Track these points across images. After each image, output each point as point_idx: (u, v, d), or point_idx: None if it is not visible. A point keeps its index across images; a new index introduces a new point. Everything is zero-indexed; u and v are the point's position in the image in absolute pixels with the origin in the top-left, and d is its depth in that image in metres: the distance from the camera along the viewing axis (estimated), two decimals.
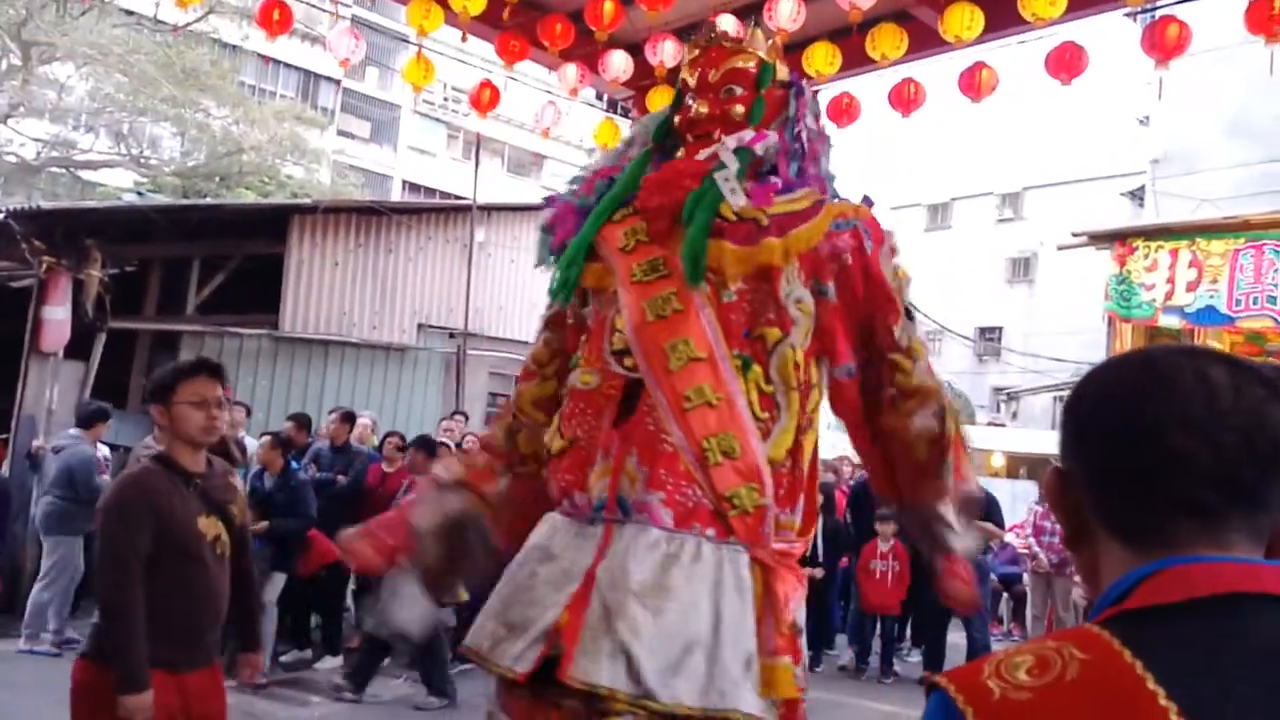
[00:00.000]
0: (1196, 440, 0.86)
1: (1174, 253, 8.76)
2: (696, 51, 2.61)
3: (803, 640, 2.31)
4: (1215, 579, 0.85)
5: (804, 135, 2.52)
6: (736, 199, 2.30)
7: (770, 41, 2.64)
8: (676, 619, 2.04)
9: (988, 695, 0.84)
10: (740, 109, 2.49)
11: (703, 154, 2.43)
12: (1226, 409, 0.86)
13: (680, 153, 2.54)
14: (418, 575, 2.48)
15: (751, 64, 2.53)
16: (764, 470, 2.20)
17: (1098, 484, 0.93)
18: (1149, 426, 0.88)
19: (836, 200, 2.47)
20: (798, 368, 2.29)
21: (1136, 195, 17.27)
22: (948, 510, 2.40)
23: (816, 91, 2.65)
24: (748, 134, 2.43)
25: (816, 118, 2.60)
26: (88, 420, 7.50)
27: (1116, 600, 0.89)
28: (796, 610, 2.25)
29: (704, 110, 2.48)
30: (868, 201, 2.55)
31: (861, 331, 2.42)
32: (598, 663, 2.01)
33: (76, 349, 9.31)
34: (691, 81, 2.56)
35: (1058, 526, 8.39)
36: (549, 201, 2.75)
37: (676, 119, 2.58)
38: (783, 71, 2.60)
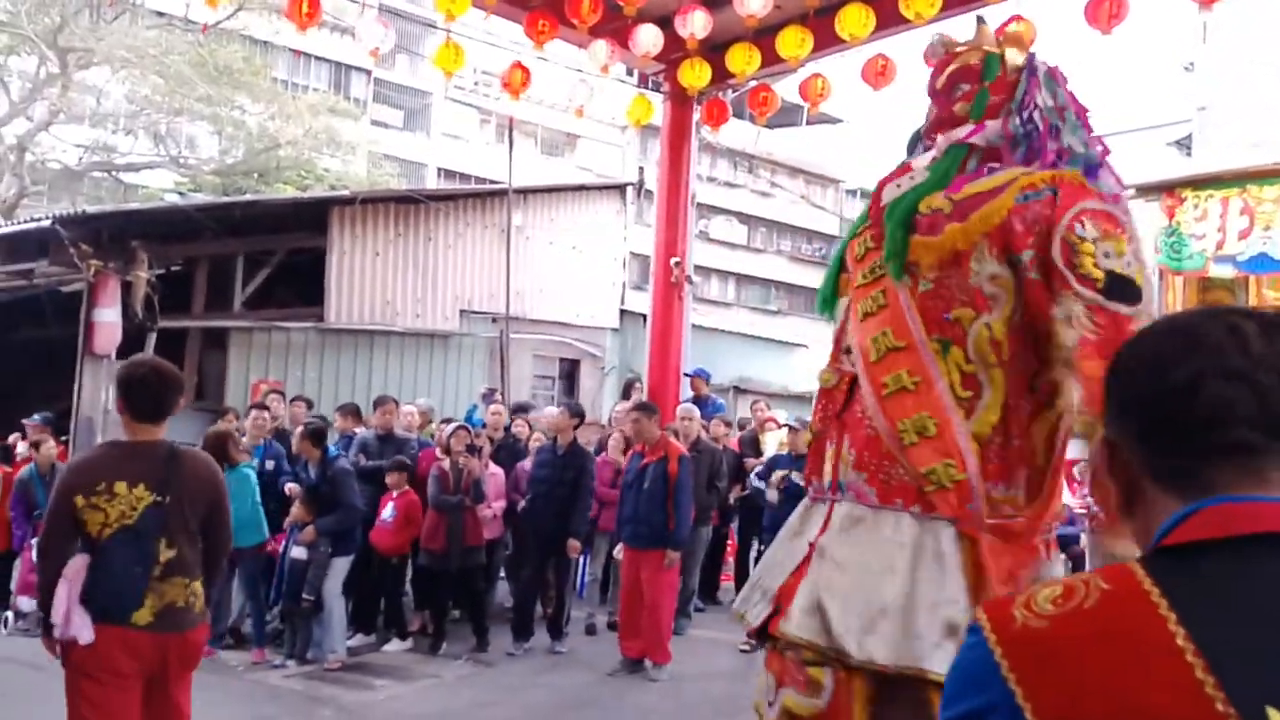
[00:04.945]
0: (1236, 386, 0.87)
1: (1224, 201, 8.54)
2: (932, 65, 2.79)
3: None
4: (1256, 518, 0.85)
5: (1035, 117, 2.56)
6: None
7: (1002, 35, 2.75)
8: (872, 584, 2.26)
9: (1010, 624, 0.87)
10: (963, 105, 2.62)
11: (921, 158, 2.64)
12: (1262, 354, 0.88)
13: None
14: None
15: (975, 59, 2.64)
16: (964, 447, 2.30)
17: (1144, 442, 0.94)
18: (1188, 380, 0.89)
19: (1037, 170, 2.43)
20: (997, 345, 2.32)
21: (1183, 144, 16.82)
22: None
23: (1055, 69, 2.65)
24: (959, 131, 2.58)
25: (1054, 94, 2.61)
26: None
27: (1157, 542, 0.90)
28: (1029, 581, 2.24)
29: (933, 115, 2.69)
30: (1090, 170, 2.49)
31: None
32: (798, 619, 2.31)
33: (128, 349, 9.49)
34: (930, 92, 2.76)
35: None
36: None
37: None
38: (1015, 58, 2.65)
